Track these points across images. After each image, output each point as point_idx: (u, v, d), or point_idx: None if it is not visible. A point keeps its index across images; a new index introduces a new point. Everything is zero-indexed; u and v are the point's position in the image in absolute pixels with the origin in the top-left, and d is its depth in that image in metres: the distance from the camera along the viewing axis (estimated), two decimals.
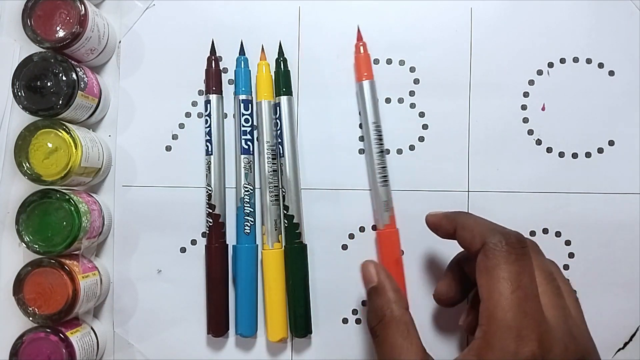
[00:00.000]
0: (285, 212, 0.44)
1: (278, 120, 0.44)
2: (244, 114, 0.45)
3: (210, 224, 0.44)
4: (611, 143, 0.45)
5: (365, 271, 0.38)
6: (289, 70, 0.45)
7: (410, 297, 0.45)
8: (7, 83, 0.41)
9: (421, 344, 0.34)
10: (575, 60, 0.45)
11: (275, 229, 0.44)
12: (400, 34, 0.46)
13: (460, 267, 0.40)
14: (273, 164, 0.44)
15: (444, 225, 0.38)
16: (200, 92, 0.46)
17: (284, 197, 0.44)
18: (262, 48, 0.45)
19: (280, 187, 0.44)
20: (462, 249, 0.36)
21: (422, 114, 0.46)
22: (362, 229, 0.45)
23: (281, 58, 0.45)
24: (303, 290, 0.44)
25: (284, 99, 0.44)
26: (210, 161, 0.44)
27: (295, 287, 0.44)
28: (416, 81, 0.46)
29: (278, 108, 0.44)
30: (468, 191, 0.45)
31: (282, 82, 0.45)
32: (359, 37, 0.45)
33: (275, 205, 0.44)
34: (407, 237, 0.45)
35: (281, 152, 0.44)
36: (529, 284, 0.32)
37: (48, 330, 0.40)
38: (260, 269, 0.45)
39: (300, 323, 0.44)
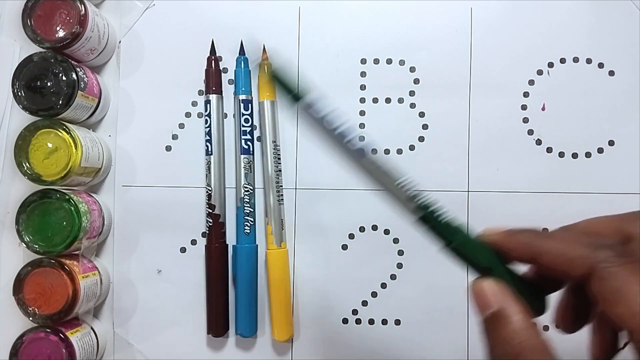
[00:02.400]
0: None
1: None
2: (244, 114, 0.45)
3: (210, 224, 0.44)
4: (611, 143, 0.45)
5: (479, 294, 0.29)
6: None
7: (410, 297, 0.45)
8: (7, 83, 0.41)
9: None
10: (575, 60, 0.45)
11: (282, 229, 0.44)
12: (400, 34, 0.46)
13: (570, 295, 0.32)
14: (278, 163, 0.45)
15: (514, 249, 0.29)
16: (200, 92, 0.46)
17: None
18: (264, 48, 0.45)
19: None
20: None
21: (422, 114, 0.46)
22: (362, 229, 0.45)
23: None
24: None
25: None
26: (210, 161, 0.44)
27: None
28: (416, 81, 0.46)
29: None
30: (468, 191, 0.45)
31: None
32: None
33: (282, 205, 0.44)
34: (407, 238, 0.45)
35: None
36: None
37: (48, 330, 0.40)
38: (259, 268, 0.45)
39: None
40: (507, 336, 0.27)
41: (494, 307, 0.28)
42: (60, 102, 0.41)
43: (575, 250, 0.27)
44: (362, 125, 0.46)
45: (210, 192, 0.44)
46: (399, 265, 0.45)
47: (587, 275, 0.27)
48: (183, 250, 0.45)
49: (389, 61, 0.46)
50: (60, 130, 0.40)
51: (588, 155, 0.45)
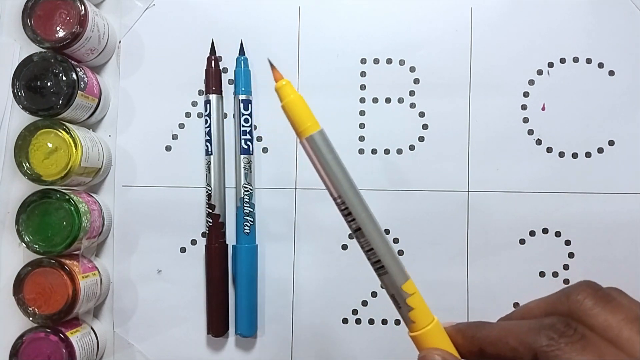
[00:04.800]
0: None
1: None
2: (243, 114, 0.45)
3: (210, 224, 0.44)
4: (611, 143, 0.45)
5: None
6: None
7: None
8: (7, 83, 0.41)
9: None
10: (575, 60, 0.45)
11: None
12: (400, 34, 0.46)
13: None
14: None
15: (461, 344, 0.29)
16: (200, 92, 0.46)
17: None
18: (272, 64, 0.45)
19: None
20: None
21: (422, 114, 0.46)
22: None
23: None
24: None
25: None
26: (210, 161, 0.44)
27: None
28: (416, 81, 0.46)
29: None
30: (468, 191, 0.45)
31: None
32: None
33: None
34: (407, 238, 0.45)
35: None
36: (617, 356, 0.24)
37: (48, 330, 0.40)
38: (259, 268, 0.45)
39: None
40: None
41: None
42: (60, 102, 0.41)
43: (518, 337, 0.27)
44: (362, 125, 0.46)
45: (210, 192, 0.44)
46: None
47: None
48: (183, 250, 0.45)
49: (389, 61, 0.46)
50: (60, 130, 0.40)
51: (588, 155, 0.45)
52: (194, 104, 0.46)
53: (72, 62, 0.41)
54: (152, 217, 0.45)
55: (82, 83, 0.41)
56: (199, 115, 0.46)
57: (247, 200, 0.44)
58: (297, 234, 0.45)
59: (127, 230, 0.45)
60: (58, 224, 0.40)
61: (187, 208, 0.45)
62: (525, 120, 0.45)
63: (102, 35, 0.43)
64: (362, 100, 0.46)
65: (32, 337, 0.40)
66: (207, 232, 0.44)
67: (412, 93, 0.46)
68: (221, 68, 0.46)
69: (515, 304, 0.45)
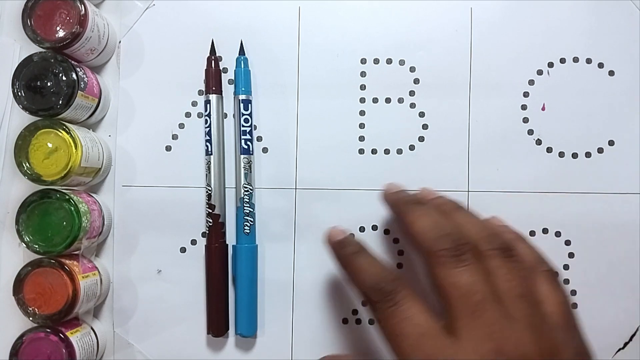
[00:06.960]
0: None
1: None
2: (243, 114, 0.45)
3: (210, 224, 0.44)
4: (611, 143, 0.45)
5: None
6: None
7: None
8: (7, 83, 0.41)
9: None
10: (575, 60, 0.45)
11: None
12: (400, 34, 0.46)
13: None
14: None
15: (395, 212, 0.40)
16: (200, 92, 0.46)
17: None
18: None
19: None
20: None
21: (422, 114, 0.46)
22: (362, 229, 0.45)
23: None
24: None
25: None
26: (210, 161, 0.44)
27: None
28: (416, 81, 0.46)
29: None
30: (468, 191, 0.45)
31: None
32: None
33: None
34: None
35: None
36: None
37: (48, 330, 0.40)
38: (259, 268, 0.45)
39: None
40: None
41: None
42: (60, 102, 0.41)
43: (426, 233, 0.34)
44: (362, 125, 0.46)
45: (210, 192, 0.44)
46: (399, 265, 0.45)
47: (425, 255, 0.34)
48: (183, 250, 0.45)
49: (389, 61, 0.46)
50: (60, 130, 0.40)
51: (588, 155, 0.45)
52: (194, 104, 0.46)
53: (72, 62, 0.41)
54: (152, 217, 0.45)
55: (82, 83, 0.41)
56: (199, 115, 0.46)
57: (247, 200, 0.44)
58: (297, 234, 0.45)
59: (127, 230, 0.45)
60: (58, 224, 0.40)
61: (187, 208, 0.45)
62: (525, 120, 0.45)
63: (102, 35, 0.43)
64: (362, 100, 0.46)
65: (32, 337, 0.40)
66: (207, 232, 0.44)
67: (412, 93, 0.46)
68: (221, 68, 0.46)
69: None
